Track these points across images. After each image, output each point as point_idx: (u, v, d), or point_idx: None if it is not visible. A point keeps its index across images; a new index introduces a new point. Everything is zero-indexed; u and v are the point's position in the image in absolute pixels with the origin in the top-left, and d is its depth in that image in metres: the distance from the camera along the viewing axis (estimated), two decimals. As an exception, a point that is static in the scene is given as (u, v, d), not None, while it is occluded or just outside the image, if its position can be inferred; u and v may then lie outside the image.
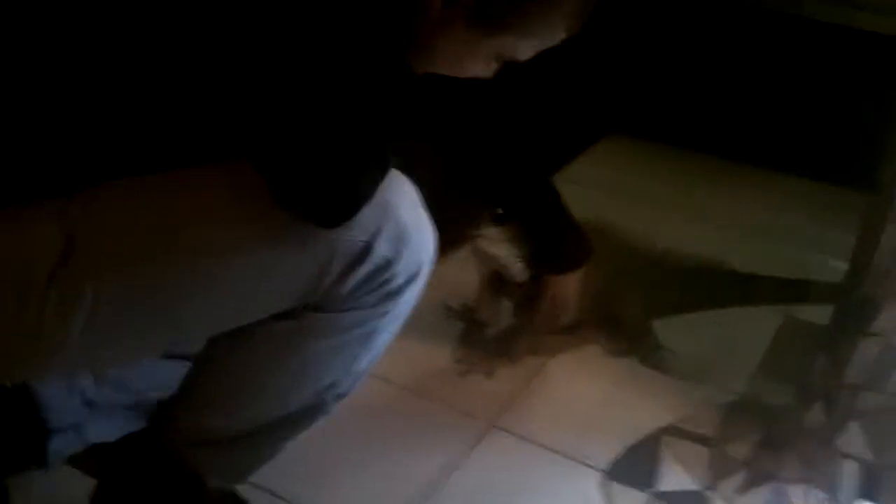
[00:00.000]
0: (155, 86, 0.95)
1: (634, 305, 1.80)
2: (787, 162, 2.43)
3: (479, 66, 1.08)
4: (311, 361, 1.05)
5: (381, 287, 1.02)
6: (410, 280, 1.04)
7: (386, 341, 1.11)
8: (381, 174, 0.97)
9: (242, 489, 1.26)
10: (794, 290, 1.94)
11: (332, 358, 1.06)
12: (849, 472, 1.44)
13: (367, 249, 0.98)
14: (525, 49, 1.06)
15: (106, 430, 1.28)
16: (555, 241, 1.61)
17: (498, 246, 1.56)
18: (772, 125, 2.45)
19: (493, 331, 1.77)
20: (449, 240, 1.66)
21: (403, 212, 1.01)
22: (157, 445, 1.15)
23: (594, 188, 2.16)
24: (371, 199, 0.96)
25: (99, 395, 1.33)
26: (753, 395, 1.68)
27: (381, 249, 0.99)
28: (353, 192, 0.94)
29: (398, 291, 1.03)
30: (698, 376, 1.72)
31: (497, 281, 1.65)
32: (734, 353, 1.80)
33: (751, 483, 1.48)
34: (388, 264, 1.00)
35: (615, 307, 1.79)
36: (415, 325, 1.72)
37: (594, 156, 2.38)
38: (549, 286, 1.64)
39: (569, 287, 1.64)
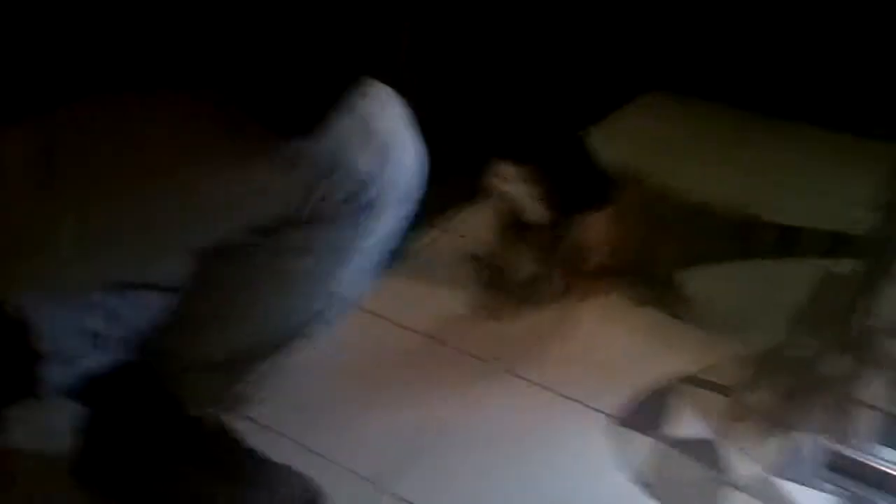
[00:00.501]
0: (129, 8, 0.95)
1: (666, 256, 1.75)
2: (825, 117, 2.38)
3: None
4: (293, 279, 1.06)
5: (363, 205, 1.02)
6: (393, 195, 1.03)
7: (371, 263, 1.10)
8: (347, 86, 0.95)
9: (257, 432, 1.29)
10: (834, 244, 1.85)
11: (312, 277, 1.07)
12: (869, 422, 1.37)
13: (347, 164, 0.98)
14: None
15: (101, 362, 1.29)
16: (576, 181, 1.57)
17: (514, 184, 1.53)
18: (810, 81, 2.40)
19: (517, 277, 1.73)
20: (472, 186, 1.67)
21: (384, 128, 1.01)
22: (147, 373, 1.16)
23: (630, 142, 2.10)
24: (341, 110, 0.95)
25: (108, 330, 1.35)
26: (783, 349, 1.62)
27: (362, 165, 0.99)
28: (317, 100, 0.93)
29: (380, 208, 1.03)
30: (728, 329, 1.67)
31: (515, 221, 1.61)
32: (768, 306, 1.74)
33: (767, 432, 1.42)
34: (369, 179, 1.00)
35: (646, 258, 1.74)
36: (440, 275, 1.75)
37: (634, 110, 2.31)
38: (571, 227, 1.60)
39: (592, 228, 1.60)
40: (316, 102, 0.95)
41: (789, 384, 1.52)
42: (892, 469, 1.32)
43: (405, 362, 1.55)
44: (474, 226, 1.91)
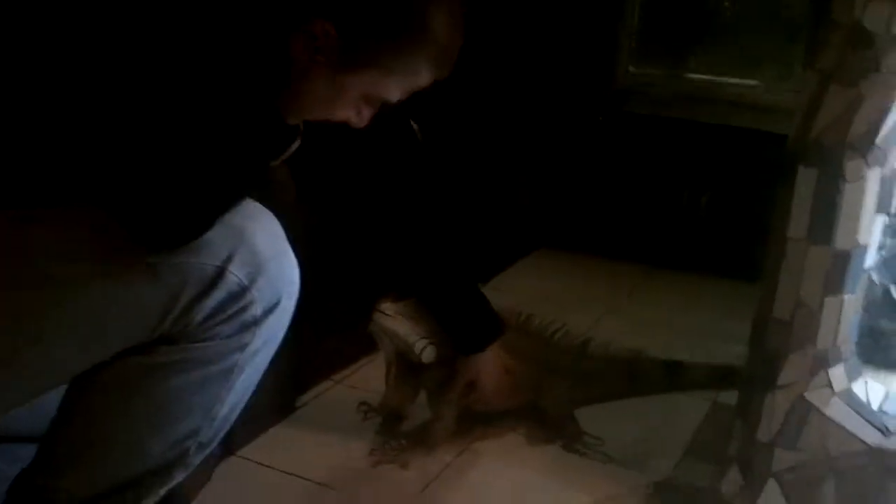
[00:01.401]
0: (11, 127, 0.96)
1: (558, 395, 1.76)
2: (702, 265, 2.55)
3: (349, 109, 1.10)
4: (170, 401, 1.02)
5: (236, 316, 1.00)
6: (269, 310, 1.02)
7: (249, 383, 1.07)
8: (224, 197, 0.97)
9: None
10: (720, 376, 1.90)
11: (190, 397, 1.02)
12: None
13: (219, 274, 0.97)
14: (392, 88, 1.08)
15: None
16: (465, 320, 1.59)
17: (400, 322, 1.53)
18: (687, 232, 2.60)
19: (409, 422, 1.71)
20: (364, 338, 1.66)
21: (259, 239, 1.01)
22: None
23: (520, 296, 2.14)
24: (212, 222, 0.96)
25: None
26: (679, 478, 1.62)
27: (235, 275, 0.98)
28: (189, 212, 0.94)
29: (255, 322, 1.01)
30: (624, 462, 1.67)
31: (405, 362, 1.60)
32: (660, 438, 1.76)
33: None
34: (242, 291, 0.99)
35: (538, 398, 1.75)
36: (331, 422, 1.71)
37: (521, 267, 2.39)
38: (463, 367, 1.60)
39: (484, 366, 1.60)
40: (188, 212, 0.95)
41: (688, 508, 1.51)
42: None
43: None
44: (366, 376, 1.90)
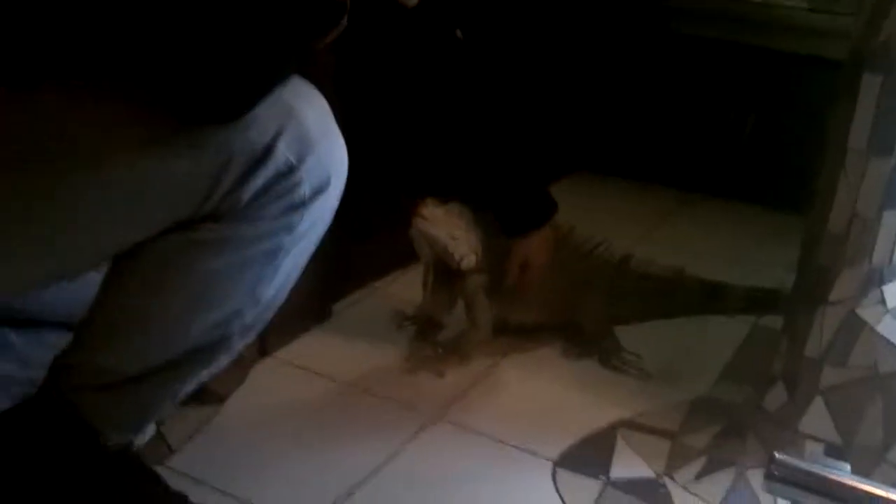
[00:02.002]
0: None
1: (596, 310, 1.73)
2: (743, 192, 2.51)
3: None
4: (211, 280, 0.99)
5: (284, 196, 0.97)
6: (317, 191, 0.99)
7: (294, 266, 1.05)
8: (270, 74, 0.94)
9: (175, 478, 1.20)
10: (761, 299, 1.87)
11: (234, 277, 1.00)
12: (813, 452, 1.34)
13: (267, 151, 0.94)
14: None
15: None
16: (517, 201, 1.56)
17: (440, 228, 1.49)
18: (728, 160, 2.54)
19: (446, 331, 1.69)
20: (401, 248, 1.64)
21: (309, 118, 0.98)
22: (53, 393, 1.06)
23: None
24: (263, 97, 0.92)
25: (4, 367, 1.27)
26: (717, 395, 1.60)
27: (283, 152, 0.95)
28: (237, 87, 0.91)
29: (303, 203, 0.98)
30: (661, 378, 1.65)
31: (443, 268, 1.57)
32: (699, 357, 1.73)
33: (709, 469, 1.38)
34: (290, 170, 0.96)
35: (575, 312, 1.72)
36: (366, 329, 1.70)
37: (559, 189, 2.34)
38: (515, 248, 1.58)
39: (537, 245, 1.58)
40: (234, 88, 0.92)
41: (726, 423, 1.48)
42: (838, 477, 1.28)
43: (332, 412, 1.48)
44: (403, 286, 1.87)
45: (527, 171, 1.55)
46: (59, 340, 1.08)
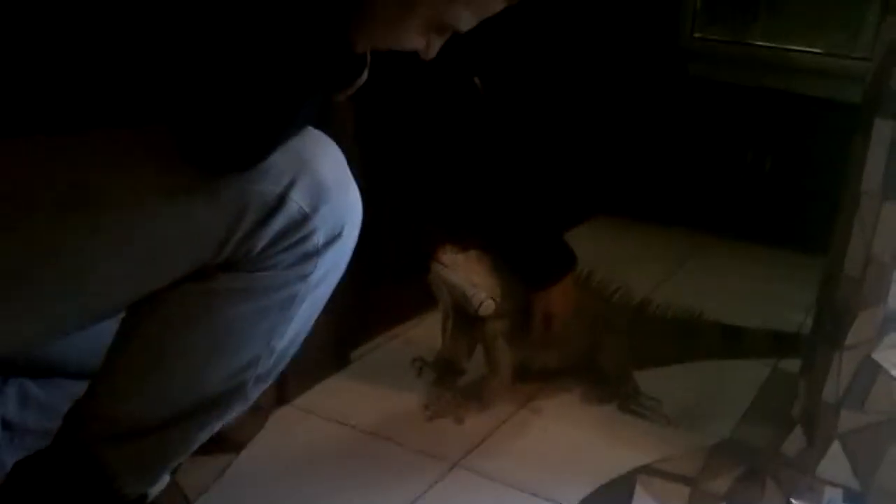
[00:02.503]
0: (70, 46, 0.96)
1: (615, 354, 1.73)
2: (764, 235, 2.51)
3: (419, 37, 1.07)
4: (228, 330, 1.00)
5: (298, 245, 0.98)
6: (331, 240, 1.00)
7: (309, 315, 1.06)
8: (286, 125, 0.96)
9: None
10: (780, 343, 1.86)
11: (250, 327, 1.01)
12: (832, 499, 1.33)
13: (280, 200, 0.96)
14: (461, 12, 1.05)
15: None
16: (537, 253, 1.57)
17: (459, 274, 1.51)
18: (749, 203, 2.55)
19: (465, 378, 1.69)
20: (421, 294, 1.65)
21: (323, 167, 0.99)
22: (70, 442, 1.07)
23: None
24: (276, 147, 0.95)
25: (22, 417, 1.28)
26: (737, 439, 1.59)
27: (297, 202, 0.96)
28: (253, 137, 0.93)
29: (317, 252, 0.99)
30: (680, 423, 1.64)
31: (463, 314, 1.58)
32: (719, 402, 1.73)
33: (729, 515, 1.37)
34: (304, 219, 0.97)
35: (595, 357, 1.72)
36: (385, 376, 1.71)
37: (579, 234, 2.35)
38: (536, 302, 1.58)
39: (558, 298, 1.58)
40: (250, 137, 0.94)
41: (746, 469, 1.48)
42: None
43: (352, 459, 1.48)
44: (422, 332, 1.89)
45: (545, 220, 1.56)
46: (78, 390, 1.09)
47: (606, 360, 1.72)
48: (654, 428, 1.63)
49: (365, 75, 1.07)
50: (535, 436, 1.59)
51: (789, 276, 2.25)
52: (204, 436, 1.09)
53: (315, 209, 0.98)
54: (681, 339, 1.83)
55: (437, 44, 1.09)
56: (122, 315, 1.05)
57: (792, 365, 1.78)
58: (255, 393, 1.07)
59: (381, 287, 1.83)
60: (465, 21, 1.06)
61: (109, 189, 0.94)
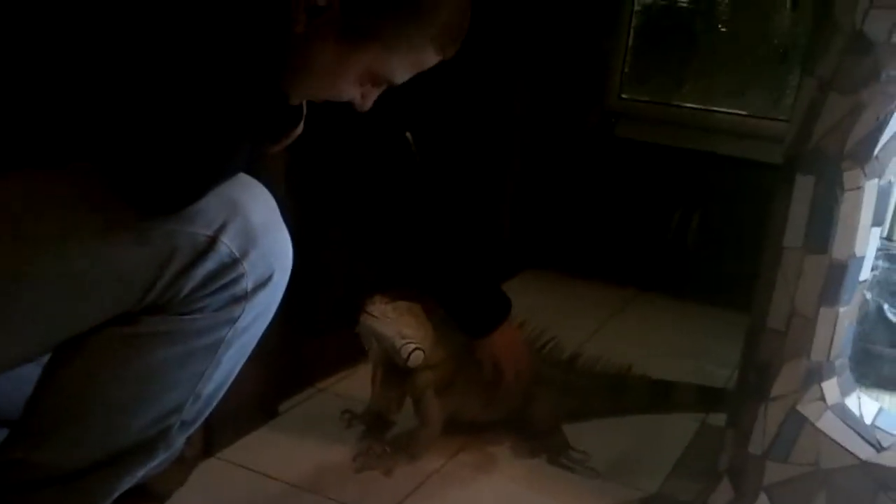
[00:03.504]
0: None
1: (545, 407, 1.73)
2: (688, 290, 2.55)
3: (353, 88, 1.08)
4: (152, 374, 0.99)
5: (226, 288, 0.97)
6: (260, 285, 0.99)
7: (237, 360, 1.04)
8: (219, 168, 0.96)
9: None
10: (708, 397, 1.89)
11: (175, 371, 0.99)
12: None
13: (210, 244, 0.95)
14: (395, 66, 1.06)
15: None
16: (473, 302, 1.58)
17: (387, 325, 1.50)
18: (679, 257, 2.59)
19: (395, 430, 1.68)
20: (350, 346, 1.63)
21: (254, 211, 0.99)
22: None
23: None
24: (205, 191, 0.95)
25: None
26: (666, 493, 1.60)
27: (227, 245, 0.96)
28: (181, 180, 0.93)
29: (245, 296, 0.99)
30: (610, 476, 1.64)
31: (391, 366, 1.57)
32: (648, 456, 1.74)
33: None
34: (234, 262, 0.97)
35: (526, 408, 1.72)
36: (314, 428, 1.68)
37: (508, 288, 2.37)
38: (481, 353, 1.59)
39: (502, 343, 1.59)
40: (182, 179, 0.93)
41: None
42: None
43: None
44: (351, 384, 1.87)
45: (478, 268, 1.57)
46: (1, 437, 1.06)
47: (537, 413, 1.71)
48: (583, 481, 1.63)
49: (300, 127, 1.07)
50: (464, 488, 1.58)
51: (716, 332, 2.28)
52: (126, 483, 1.06)
53: (245, 253, 0.97)
54: (610, 393, 1.84)
55: (371, 95, 1.10)
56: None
57: (719, 419, 1.80)
58: (179, 439, 1.05)
59: (311, 338, 1.81)
60: (400, 74, 1.07)
61: (34, 228, 0.92)
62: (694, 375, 1.97)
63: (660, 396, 1.88)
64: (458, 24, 1.08)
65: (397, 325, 1.51)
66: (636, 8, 2.65)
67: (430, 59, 1.08)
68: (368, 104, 1.11)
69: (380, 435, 1.67)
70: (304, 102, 1.10)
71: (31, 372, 1.01)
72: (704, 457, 1.67)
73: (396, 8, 1.02)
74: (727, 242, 2.50)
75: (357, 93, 1.09)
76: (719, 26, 2.65)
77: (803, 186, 1.32)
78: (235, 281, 0.97)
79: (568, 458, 1.67)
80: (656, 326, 2.41)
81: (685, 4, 2.68)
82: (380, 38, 1.03)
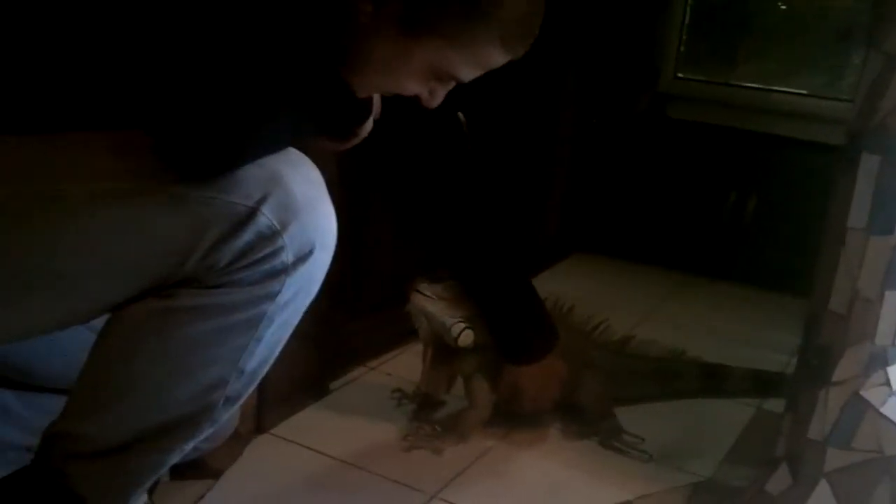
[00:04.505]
0: (50, 46, 0.94)
1: (596, 391, 1.71)
2: (743, 274, 2.52)
3: (419, 83, 1.07)
4: (190, 348, 0.97)
5: (265, 261, 0.96)
6: (300, 259, 0.98)
7: (279, 337, 1.03)
8: (259, 140, 0.94)
9: None
10: (763, 383, 1.85)
11: (214, 345, 0.98)
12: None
13: (250, 215, 0.94)
14: (460, 63, 1.05)
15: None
16: (515, 324, 1.55)
17: (438, 304, 1.49)
18: (734, 242, 2.54)
19: (445, 409, 1.67)
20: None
21: (296, 185, 0.98)
22: (43, 463, 1.04)
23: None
24: (244, 160, 0.94)
25: (3, 433, 1.25)
26: (720, 479, 1.57)
27: (267, 217, 0.95)
28: (221, 143, 0.91)
29: (285, 269, 0.97)
30: (663, 461, 1.62)
31: (441, 346, 1.56)
32: (702, 441, 1.71)
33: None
34: (273, 235, 0.95)
35: (575, 393, 1.70)
36: (364, 406, 1.68)
37: (556, 272, 2.34)
38: (507, 370, 1.57)
39: (530, 374, 1.56)
40: (227, 143, 0.92)
41: (729, 507, 1.46)
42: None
43: (328, 489, 1.45)
44: (402, 363, 1.86)
45: (525, 283, 1.55)
46: (59, 406, 1.06)
47: (587, 397, 1.69)
48: (635, 465, 1.60)
49: (370, 124, 1.06)
50: (514, 470, 1.56)
51: (771, 317, 2.24)
52: (173, 458, 1.05)
53: (285, 226, 0.96)
54: (662, 378, 1.82)
55: (439, 92, 1.09)
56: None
57: (775, 405, 1.77)
58: (223, 415, 1.04)
59: (362, 317, 1.81)
60: (465, 72, 1.06)
61: (76, 193, 0.92)
62: (749, 360, 1.93)
63: (714, 381, 1.85)
64: (527, 23, 1.05)
65: (447, 305, 1.50)
66: (692, -14, 2.60)
67: (497, 58, 1.06)
68: (436, 102, 1.10)
69: (430, 414, 1.67)
70: (375, 102, 1.09)
71: (90, 340, 1.01)
72: (760, 442, 1.64)
73: (459, 1, 0.99)
74: (783, 225, 2.45)
75: (423, 89, 1.08)
76: (778, 3, 2.58)
77: (868, 165, 1.28)
78: (275, 254, 0.96)
79: (621, 441, 1.65)
80: (710, 311, 2.37)
81: (743, -18, 2.62)
82: (442, 33, 1.02)
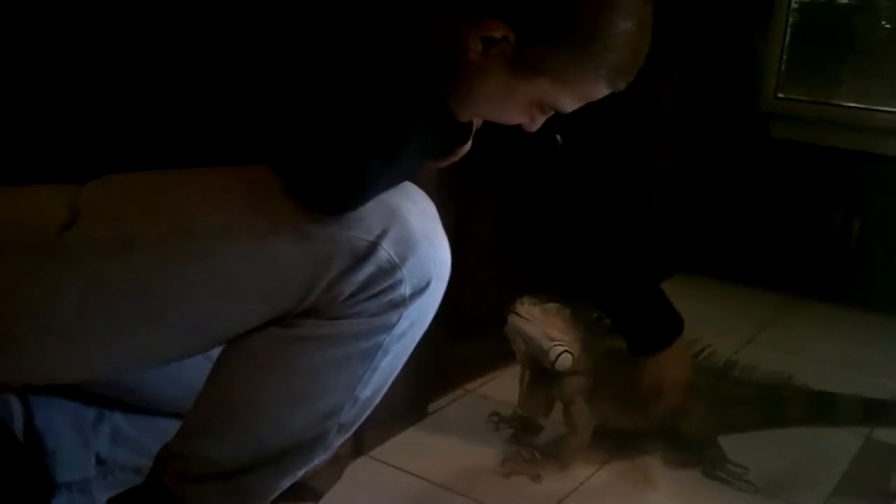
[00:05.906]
0: (172, 82, 0.97)
1: (700, 418, 1.67)
2: (849, 297, 2.44)
3: (522, 114, 1.08)
4: (311, 376, 0.99)
5: (384, 293, 0.97)
6: (417, 292, 0.99)
7: (394, 367, 1.04)
8: (388, 174, 0.96)
9: None
10: (873, 411, 1.79)
11: (332, 375, 1.00)
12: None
13: (370, 249, 0.95)
14: (565, 98, 1.05)
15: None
16: (642, 317, 1.53)
17: (535, 326, 1.47)
18: (838, 262, 2.48)
19: (543, 435, 1.65)
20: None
21: (413, 218, 0.99)
22: (157, 483, 1.07)
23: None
24: (373, 194, 0.95)
25: (113, 453, 1.28)
26: (829, 510, 1.52)
27: (386, 251, 0.96)
28: (354, 179, 0.93)
29: (403, 302, 0.98)
30: (768, 491, 1.57)
31: (537, 367, 1.54)
32: (810, 471, 1.66)
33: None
34: (392, 268, 0.96)
35: (678, 419, 1.67)
36: (462, 430, 1.67)
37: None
38: (645, 372, 1.54)
39: (668, 366, 1.54)
40: (356, 180, 0.94)
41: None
42: None
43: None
44: (500, 386, 1.85)
45: (644, 275, 1.52)
46: (168, 428, 1.09)
47: (690, 424, 1.65)
48: (740, 496, 1.56)
49: (469, 145, 1.07)
50: (614, 499, 1.54)
51: (880, 341, 2.17)
52: (286, 483, 1.07)
53: (404, 260, 0.97)
54: (767, 405, 1.77)
55: (539, 120, 1.10)
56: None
57: (886, 435, 1.71)
58: (336, 442, 1.05)
59: (461, 340, 1.81)
60: (568, 105, 1.07)
61: (209, 228, 0.94)
62: (858, 387, 1.87)
63: (821, 409, 1.80)
64: (633, 62, 1.05)
65: (545, 327, 1.49)
66: (793, 5, 2.54)
67: (601, 92, 1.07)
68: (535, 128, 1.11)
69: (528, 439, 1.66)
70: (474, 120, 1.10)
71: (204, 367, 1.03)
72: (871, 474, 1.59)
73: (572, 45, 1.00)
74: (890, 245, 2.37)
75: (525, 119, 1.08)
76: (883, 22, 2.51)
77: None
78: (393, 287, 0.97)
79: (725, 471, 1.61)
80: (816, 334, 2.31)
81: (845, 1, 2.56)
82: (551, 72, 1.02)
